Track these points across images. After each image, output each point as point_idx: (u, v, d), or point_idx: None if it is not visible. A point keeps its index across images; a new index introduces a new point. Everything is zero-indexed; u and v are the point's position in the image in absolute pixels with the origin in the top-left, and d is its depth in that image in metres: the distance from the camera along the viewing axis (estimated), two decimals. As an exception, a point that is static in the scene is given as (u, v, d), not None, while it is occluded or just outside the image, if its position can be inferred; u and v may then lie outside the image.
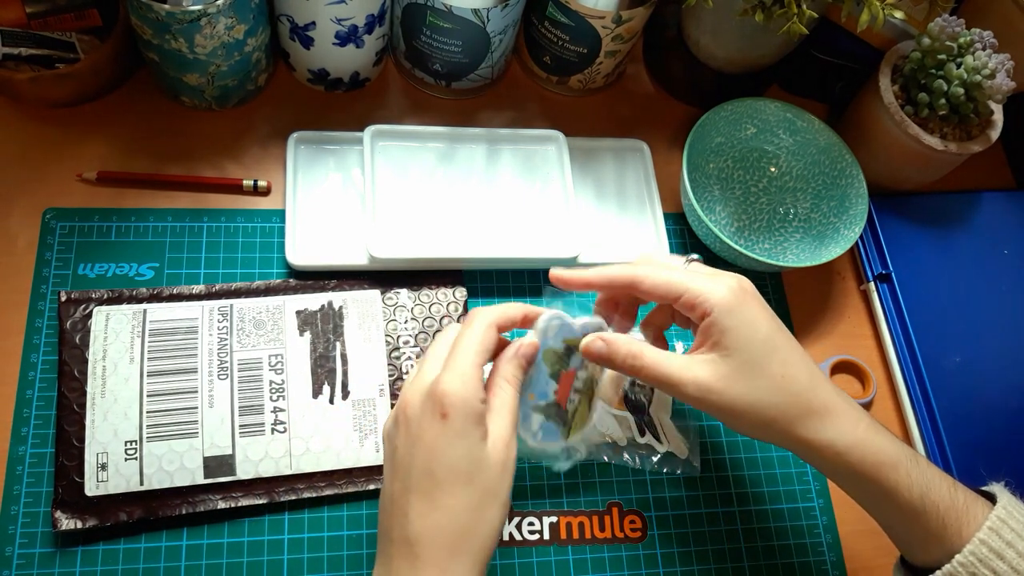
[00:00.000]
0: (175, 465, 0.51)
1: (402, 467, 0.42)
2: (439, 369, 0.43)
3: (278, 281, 0.59)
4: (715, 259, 0.66)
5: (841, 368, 0.65)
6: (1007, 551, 0.42)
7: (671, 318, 0.52)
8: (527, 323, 0.47)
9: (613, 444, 0.57)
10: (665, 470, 0.58)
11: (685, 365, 0.46)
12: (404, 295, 0.60)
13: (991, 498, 0.45)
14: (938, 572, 0.43)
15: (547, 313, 0.46)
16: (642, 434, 0.58)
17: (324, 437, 0.54)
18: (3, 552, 0.49)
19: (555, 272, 0.49)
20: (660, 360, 0.46)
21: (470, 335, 0.44)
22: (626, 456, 0.57)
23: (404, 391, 0.44)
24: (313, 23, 0.59)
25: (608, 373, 0.59)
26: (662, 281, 0.47)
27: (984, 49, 0.61)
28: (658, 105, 0.74)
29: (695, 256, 0.50)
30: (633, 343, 0.47)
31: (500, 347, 0.46)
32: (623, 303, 0.52)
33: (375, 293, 0.59)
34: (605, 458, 0.57)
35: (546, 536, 0.55)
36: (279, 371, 0.55)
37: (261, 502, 0.52)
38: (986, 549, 0.42)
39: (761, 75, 0.72)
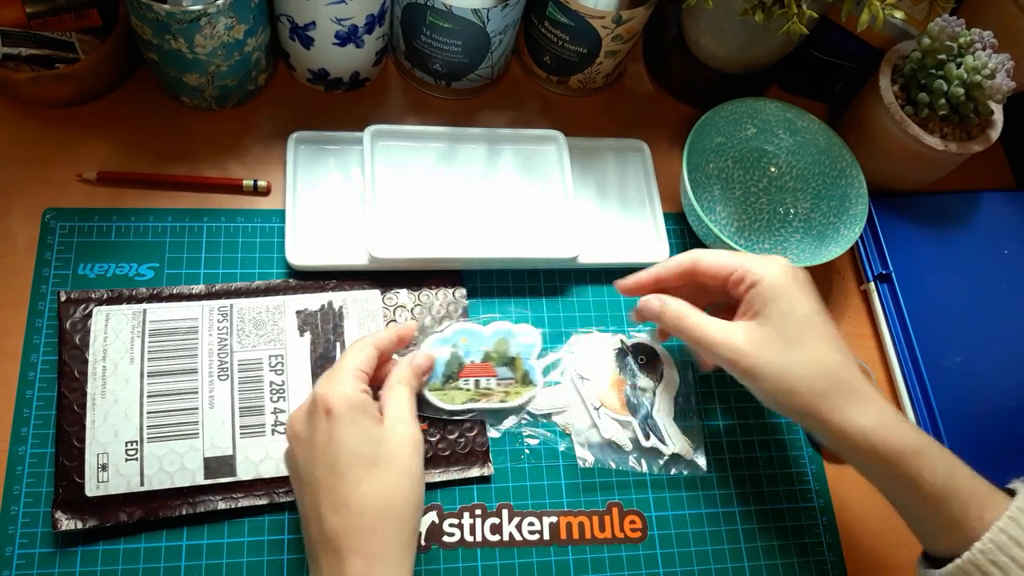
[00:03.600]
0: (176, 466, 0.51)
1: (306, 475, 0.44)
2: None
3: (278, 281, 0.58)
4: (715, 259, 0.66)
5: (841, 368, 0.65)
6: None
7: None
8: (403, 342, 0.52)
9: (619, 449, 0.57)
10: (672, 471, 0.58)
11: (723, 328, 0.50)
12: (404, 295, 0.60)
13: (1012, 494, 0.46)
14: (958, 560, 0.44)
15: (434, 337, 0.57)
16: (647, 438, 0.58)
17: (324, 437, 0.54)
18: (3, 552, 0.49)
19: (620, 283, 0.56)
20: (702, 321, 0.51)
21: (351, 352, 0.48)
22: (631, 460, 0.57)
23: (288, 419, 0.47)
24: (313, 23, 0.59)
25: (609, 380, 0.59)
26: (720, 257, 0.53)
27: (984, 49, 0.61)
28: (658, 105, 0.74)
29: None
30: (682, 304, 0.52)
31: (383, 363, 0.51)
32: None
33: (375, 293, 0.59)
34: (611, 463, 0.57)
35: (546, 536, 0.55)
36: (279, 372, 0.55)
37: (261, 503, 0.52)
38: (1005, 537, 0.43)
39: (761, 75, 0.72)
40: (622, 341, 0.61)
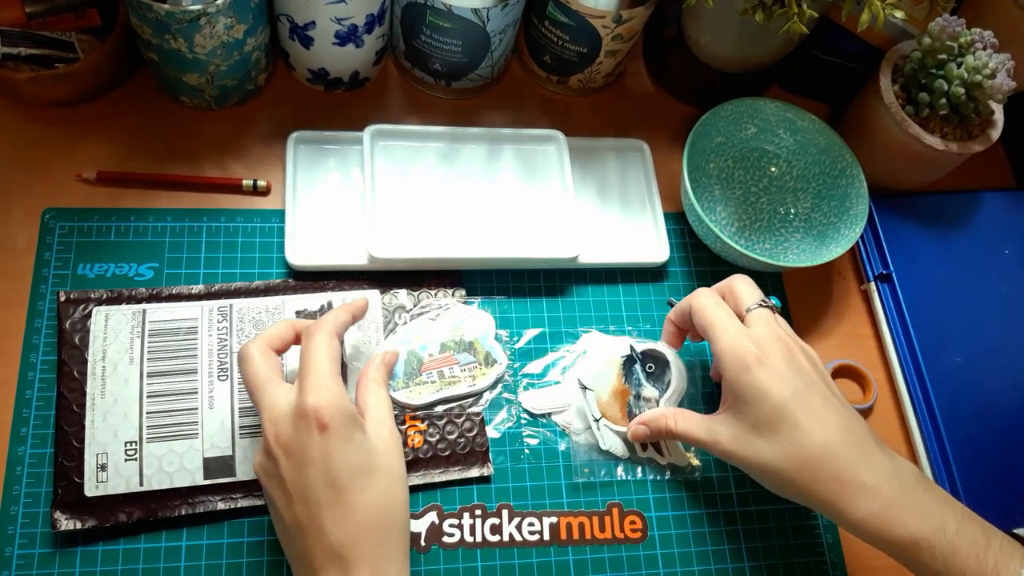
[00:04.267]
0: (175, 466, 0.51)
1: (298, 490, 0.43)
2: (286, 392, 0.45)
3: (277, 281, 0.58)
4: (716, 259, 0.66)
5: (842, 372, 0.65)
6: None
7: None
8: (357, 319, 0.52)
9: (615, 459, 0.57)
10: (668, 477, 0.58)
11: (708, 428, 0.51)
12: (403, 295, 0.60)
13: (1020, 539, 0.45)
14: None
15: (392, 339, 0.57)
16: (644, 449, 0.58)
17: (324, 437, 0.54)
18: (3, 552, 0.49)
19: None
20: (688, 427, 0.52)
21: (318, 350, 0.46)
22: (621, 470, 0.57)
23: (265, 424, 0.44)
24: (313, 22, 0.59)
25: (611, 389, 0.58)
26: (701, 329, 0.53)
27: (985, 49, 0.61)
28: (658, 105, 0.74)
29: (767, 302, 0.53)
30: (669, 415, 0.54)
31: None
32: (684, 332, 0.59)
33: (374, 293, 0.59)
34: (605, 474, 0.57)
35: (546, 536, 0.55)
36: (279, 372, 0.55)
37: (261, 503, 0.52)
38: None
39: (761, 75, 0.71)
40: (632, 347, 0.59)
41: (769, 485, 0.50)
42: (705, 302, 0.53)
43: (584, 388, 0.58)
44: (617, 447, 0.57)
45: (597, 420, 0.57)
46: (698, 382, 0.62)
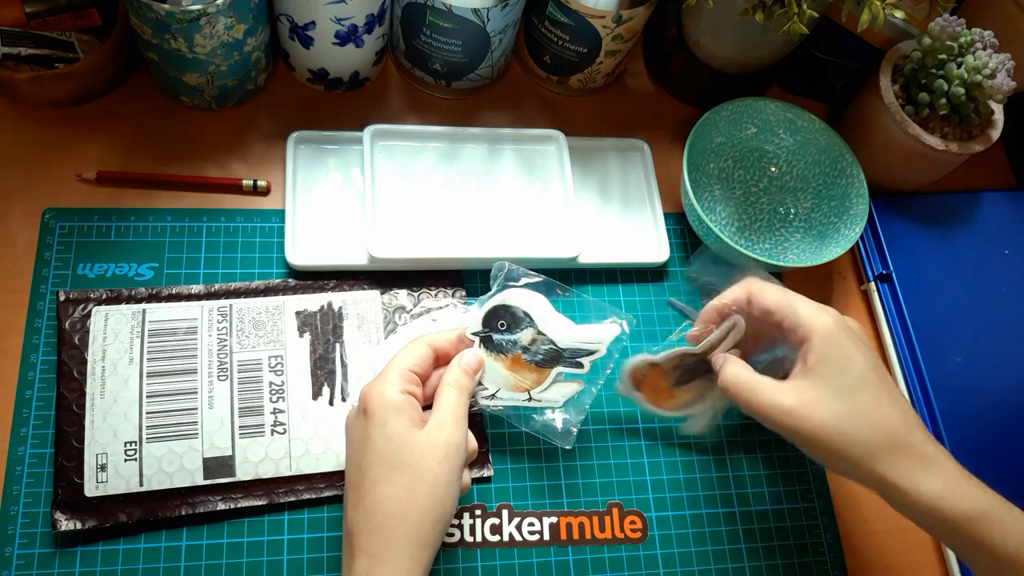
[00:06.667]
0: (175, 466, 0.51)
1: (345, 469, 0.47)
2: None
3: (277, 281, 0.58)
4: (716, 259, 0.66)
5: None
6: None
7: (767, 340, 0.54)
8: (463, 343, 0.51)
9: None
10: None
11: (772, 392, 0.48)
12: (403, 296, 0.60)
13: None
14: None
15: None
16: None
17: (324, 439, 0.54)
18: (3, 552, 0.49)
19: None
20: (751, 385, 0.49)
21: (402, 352, 0.49)
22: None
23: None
24: (313, 22, 0.59)
25: (503, 368, 0.52)
26: (774, 299, 0.50)
27: (985, 49, 0.61)
28: (658, 105, 0.74)
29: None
30: (738, 366, 0.51)
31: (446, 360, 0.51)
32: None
33: (375, 294, 0.59)
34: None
35: (546, 537, 0.55)
36: (279, 372, 0.55)
37: (261, 503, 0.52)
38: None
39: (761, 75, 0.72)
40: (474, 332, 0.52)
41: (827, 456, 0.47)
42: (771, 286, 0.52)
43: (493, 396, 0.52)
44: (558, 399, 0.53)
45: (528, 400, 0.53)
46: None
